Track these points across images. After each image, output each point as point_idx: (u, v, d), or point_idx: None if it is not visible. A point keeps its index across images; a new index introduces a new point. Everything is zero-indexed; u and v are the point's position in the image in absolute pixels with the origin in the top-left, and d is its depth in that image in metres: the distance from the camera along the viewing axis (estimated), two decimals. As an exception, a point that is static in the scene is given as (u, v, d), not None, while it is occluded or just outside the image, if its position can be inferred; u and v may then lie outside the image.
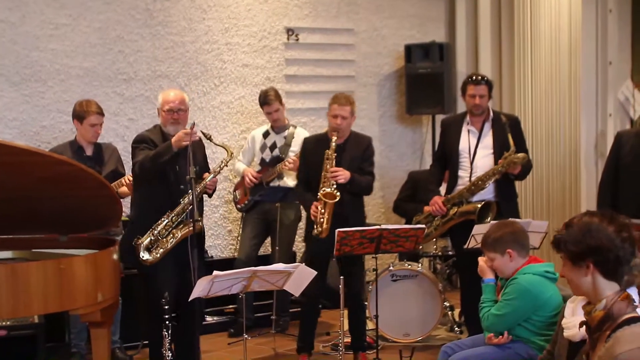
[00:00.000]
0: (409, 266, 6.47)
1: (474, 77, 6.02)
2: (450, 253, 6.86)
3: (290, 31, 7.91)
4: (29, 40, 6.67)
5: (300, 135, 6.74)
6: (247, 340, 5.27)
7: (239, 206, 6.96)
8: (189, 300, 4.71)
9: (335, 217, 5.55)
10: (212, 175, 5.42)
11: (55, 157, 4.68)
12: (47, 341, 6.05)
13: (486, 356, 4.26)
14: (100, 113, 6.02)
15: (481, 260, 4.55)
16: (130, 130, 6.94)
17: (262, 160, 6.84)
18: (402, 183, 7.58)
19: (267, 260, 6.63)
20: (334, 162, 5.62)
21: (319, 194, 5.56)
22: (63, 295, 4.48)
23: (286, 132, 6.82)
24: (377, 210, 8.39)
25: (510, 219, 5.02)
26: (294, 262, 6.49)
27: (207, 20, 7.50)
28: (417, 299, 6.38)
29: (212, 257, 7.34)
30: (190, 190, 5.07)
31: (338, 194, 5.53)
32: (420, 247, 6.92)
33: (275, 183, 6.75)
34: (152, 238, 5.22)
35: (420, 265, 6.56)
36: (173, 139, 5.14)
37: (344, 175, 5.62)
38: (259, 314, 6.96)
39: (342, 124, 5.72)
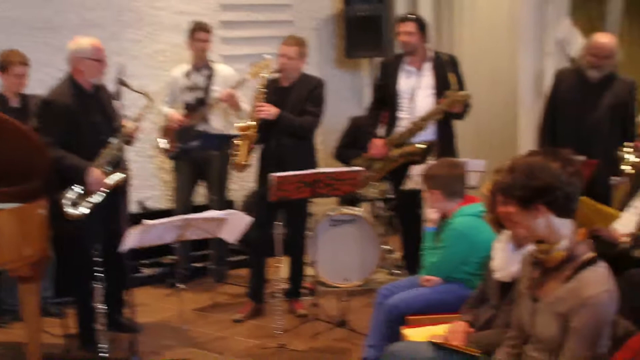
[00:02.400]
0: (349, 210, 6.42)
1: (401, 15, 6.01)
2: (390, 196, 6.81)
3: (224, -25, 7.71)
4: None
5: (222, 72, 6.61)
6: (186, 291, 5.29)
7: (169, 154, 6.69)
8: (120, 250, 4.62)
9: (275, 162, 5.51)
10: (131, 126, 5.31)
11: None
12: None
13: (424, 297, 4.23)
14: (25, 63, 5.82)
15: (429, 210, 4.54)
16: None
17: (186, 104, 6.63)
18: (342, 128, 7.50)
19: (204, 209, 6.44)
20: (262, 98, 5.58)
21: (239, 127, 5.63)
22: (-12, 250, 4.37)
23: (207, 71, 6.62)
24: (318, 156, 8.26)
25: (452, 159, 4.97)
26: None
27: (138, -36, 7.28)
28: (356, 243, 6.36)
29: (148, 208, 7.18)
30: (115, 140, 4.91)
31: (251, 123, 5.56)
32: (360, 190, 6.92)
33: (201, 127, 6.56)
34: (78, 192, 5.05)
35: (360, 209, 6.51)
36: (91, 179, 4.94)
37: (268, 111, 5.54)
38: (197, 264, 6.86)
39: (286, 64, 5.62)
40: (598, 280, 2.70)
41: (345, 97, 8.47)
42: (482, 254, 4.18)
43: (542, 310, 2.80)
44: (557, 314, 2.73)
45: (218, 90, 6.48)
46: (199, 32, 6.57)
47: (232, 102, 6.37)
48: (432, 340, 3.39)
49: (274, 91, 5.67)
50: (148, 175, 7.36)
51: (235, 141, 5.67)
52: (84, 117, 5.05)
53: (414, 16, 5.96)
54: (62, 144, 4.98)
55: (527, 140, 6.89)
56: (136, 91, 5.24)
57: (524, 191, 2.76)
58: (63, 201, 5.02)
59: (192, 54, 6.63)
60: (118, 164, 5.16)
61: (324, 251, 6.25)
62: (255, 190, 5.84)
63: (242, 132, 5.59)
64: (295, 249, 5.84)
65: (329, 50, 8.44)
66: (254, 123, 5.57)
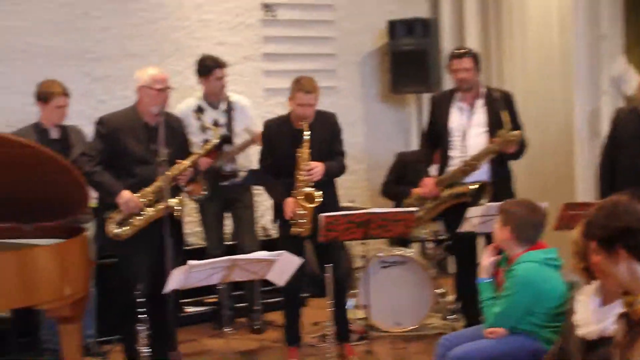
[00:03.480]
0: (399, 252, 6.14)
1: (456, 51, 5.72)
2: (441, 237, 6.52)
3: (267, 7, 7.51)
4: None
5: (239, 104, 6.31)
6: (232, 333, 5.06)
7: (195, 197, 6.13)
8: (164, 291, 4.37)
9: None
10: (192, 158, 5.19)
11: (13, 139, 4.30)
12: (19, 336, 5.76)
13: (489, 350, 3.93)
14: (66, 94, 5.70)
15: (484, 258, 4.26)
16: (100, 112, 6.38)
17: (206, 142, 6.10)
18: (387, 165, 7.23)
19: (236, 248, 6.15)
20: (309, 158, 5.25)
21: (297, 197, 5.24)
22: (26, 290, 4.09)
23: (224, 105, 6.27)
24: (364, 193, 8.03)
25: (536, 203, 4.65)
26: (261, 247, 6.01)
27: (179, -6, 7.12)
28: (407, 286, 6.05)
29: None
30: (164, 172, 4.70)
31: (319, 194, 5.22)
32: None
33: (229, 166, 6.26)
34: (124, 215, 5.02)
35: (410, 250, 6.22)
36: (121, 200, 4.94)
37: (319, 171, 5.28)
38: (240, 305, 6.56)
39: (309, 113, 5.35)
40: None
41: (391, 133, 8.23)
42: (549, 304, 3.93)
43: None
44: None
45: (239, 125, 6.24)
46: (216, 69, 6.16)
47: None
48: None
49: (291, 134, 5.36)
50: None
51: (294, 210, 5.29)
52: (135, 142, 5.04)
53: (470, 51, 5.71)
54: (111, 167, 5.06)
55: (584, 180, 6.58)
56: (206, 127, 5.53)
57: (603, 231, 2.55)
58: (108, 220, 5.00)
59: (206, 91, 6.25)
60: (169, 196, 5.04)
61: (374, 293, 5.97)
62: (283, 230, 5.53)
63: (308, 205, 5.23)
64: (336, 290, 5.54)
65: (374, 85, 8.21)
66: (315, 190, 5.26)
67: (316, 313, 6.32)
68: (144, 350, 4.53)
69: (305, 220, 5.23)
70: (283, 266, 4.52)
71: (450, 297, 6.28)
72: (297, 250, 5.29)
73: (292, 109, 5.41)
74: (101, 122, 5.14)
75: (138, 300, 4.46)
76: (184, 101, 6.30)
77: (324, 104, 7.26)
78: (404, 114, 8.32)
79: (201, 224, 6.42)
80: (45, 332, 5.65)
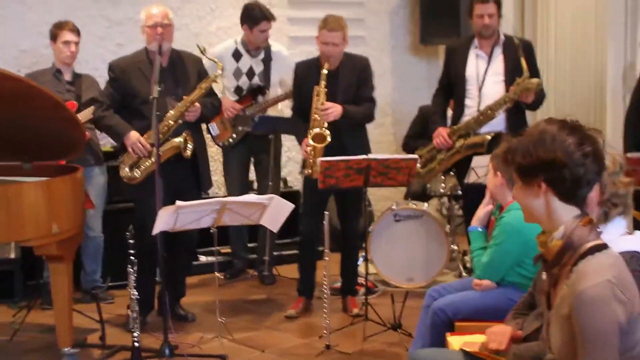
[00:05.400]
0: (414, 205, 5.96)
1: None
2: (460, 192, 6.31)
3: (295, -48, 7.31)
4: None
5: (280, 54, 6.16)
6: (240, 282, 4.95)
7: (220, 143, 6.18)
8: (152, 233, 4.29)
9: (332, 149, 5.05)
10: (196, 93, 5.05)
11: (2, 71, 4.20)
12: (25, 279, 5.80)
13: (474, 302, 3.73)
14: (75, 30, 5.67)
15: (480, 207, 4.06)
16: (118, 56, 6.40)
17: (238, 89, 6.11)
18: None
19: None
20: (324, 97, 5.10)
21: (308, 136, 5.08)
22: (11, 225, 4.07)
23: (262, 54, 6.12)
24: (389, 147, 7.84)
25: None
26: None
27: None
28: (421, 241, 5.92)
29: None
30: (155, 113, 4.57)
31: (328, 133, 5.05)
32: (428, 185, 6.46)
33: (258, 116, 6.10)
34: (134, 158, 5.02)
35: (426, 205, 6.04)
36: (129, 143, 4.96)
37: (335, 111, 5.11)
38: (253, 256, 6.49)
39: (333, 52, 5.18)
40: (596, 270, 2.22)
41: (420, 87, 7.99)
42: (539, 253, 3.69)
43: (553, 317, 2.33)
44: (562, 317, 2.26)
45: (276, 75, 6.10)
46: (263, 22, 5.98)
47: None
48: (464, 348, 2.91)
49: (318, 75, 5.18)
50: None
51: (307, 149, 5.15)
52: (143, 84, 4.98)
53: None
54: (124, 109, 5.08)
55: (615, 137, 6.30)
56: (209, 58, 5.34)
57: (525, 159, 2.33)
58: (120, 164, 5.04)
59: (248, 39, 6.08)
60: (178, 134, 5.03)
61: (386, 248, 5.85)
62: (306, 181, 5.38)
63: (318, 144, 5.08)
64: (348, 244, 5.45)
65: (403, 35, 7.97)
66: (326, 130, 5.09)
67: (335, 267, 6.21)
68: (133, 294, 4.38)
69: (313, 161, 5.06)
70: (275, 211, 4.41)
71: (468, 256, 6.09)
72: (320, 203, 5.21)
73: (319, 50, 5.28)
74: (111, 67, 5.16)
75: (129, 241, 4.33)
76: (222, 43, 6.23)
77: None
78: (434, 67, 8.04)
79: (224, 171, 6.33)
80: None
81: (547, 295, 2.42)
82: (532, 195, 2.35)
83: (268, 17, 5.99)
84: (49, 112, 4.32)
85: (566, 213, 2.33)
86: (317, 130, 5.09)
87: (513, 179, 2.47)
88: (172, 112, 4.99)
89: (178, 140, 4.97)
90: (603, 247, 2.30)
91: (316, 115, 5.12)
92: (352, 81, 5.29)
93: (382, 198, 7.49)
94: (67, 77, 5.71)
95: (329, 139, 5.05)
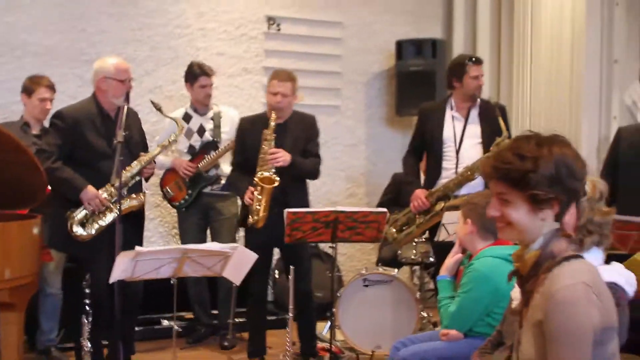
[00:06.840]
0: (384, 270, 5.81)
1: (474, 57, 5.52)
2: (432, 260, 6.17)
3: (271, 20, 7.33)
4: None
5: (228, 113, 6.14)
6: (202, 348, 4.91)
7: (176, 203, 6.10)
8: (110, 281, 4.12)
9: (275, 203, 4.97)
10: (158, 151, 5.02)
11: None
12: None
13: (439, 352, 3.61)
14: (51, 87, 5.63)
15: (448, 256, 3.94)
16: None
17: (191, 148, 6.05)
18: (387, 188, 6.97)
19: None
20: (273, 143, 5.05)
21: (255, 178, 4.99)
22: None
23: (211, 113, 6.10)
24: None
25: None
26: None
27: (180, 2, 6.97)
28: (391, 306, 5.70)
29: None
30: (119, 158, 4.48)
31: (277, 178, 4.96)
32: (399, 251, 6.33)
33: (212, 172, 6.05)
34: (87, 212, 4.75)
35: (396, 270, 5.90)
36: (86, 198, 4.71)
37: (283, 157, 5.05)
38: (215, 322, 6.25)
39: (281, 102, 5.15)
40: (571, 273, 2.14)
41: (394, 159, 7.80)
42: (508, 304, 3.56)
43: (524, 329, 2.23)
44: (534, 326, 2.16)
45: (227, 132, 6.03)
46: (201, 77, 6.03)
47: None
48: None
49: (264, 129, 5.14)
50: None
51: (252, 195, 5.05)
52: (96, 136, 4.82)
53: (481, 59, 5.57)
54: (70, 161, 4.80)
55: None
56: (167, 116, 5.24)
57: (510, 172, 2.28)
58: (70, 221, 4.72)
59: (192, 98, 6.12)
60: (134, 191, 4.90)
61: (355, 313, 5.64)
62: (248, 235, 5.26)
63: (266, 185, 4.99)
64: (302, 304, 5.26)
65: (379, 106, 7.93)
66: (275, 175, 5.02)
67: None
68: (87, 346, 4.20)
69: (260, 207, 4.95)
70: (239, 261, 4.26)
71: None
72: (265, 258, 5.04)
73: (267, 103, 5.24)
74: (59, 116, 4.87)
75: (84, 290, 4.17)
76: (177, 110, 6.13)
77: (327, 122, 7.09)
78: (408, 138, 7.97)
79: (180, 232, 6.18)
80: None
81: (520, 314, 2.29)
82: (538, 219, 2.26)
83: (207, 72, 6.05)
84: (9, 155, 4.22)
85: (547, 226, 2.26)
86: (265, 173, 5.01)
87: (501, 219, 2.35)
88: (134, 164, 4.88)
89: (137, 202, 4.88)
90: (579, 256, 2.23)
91: (264, 159, 5.05)
92: (301, 135, 5.27)
93: (351, 269, 7.36)
94: (35, 130, 5.64)
95: (277, 180, 4.97)
